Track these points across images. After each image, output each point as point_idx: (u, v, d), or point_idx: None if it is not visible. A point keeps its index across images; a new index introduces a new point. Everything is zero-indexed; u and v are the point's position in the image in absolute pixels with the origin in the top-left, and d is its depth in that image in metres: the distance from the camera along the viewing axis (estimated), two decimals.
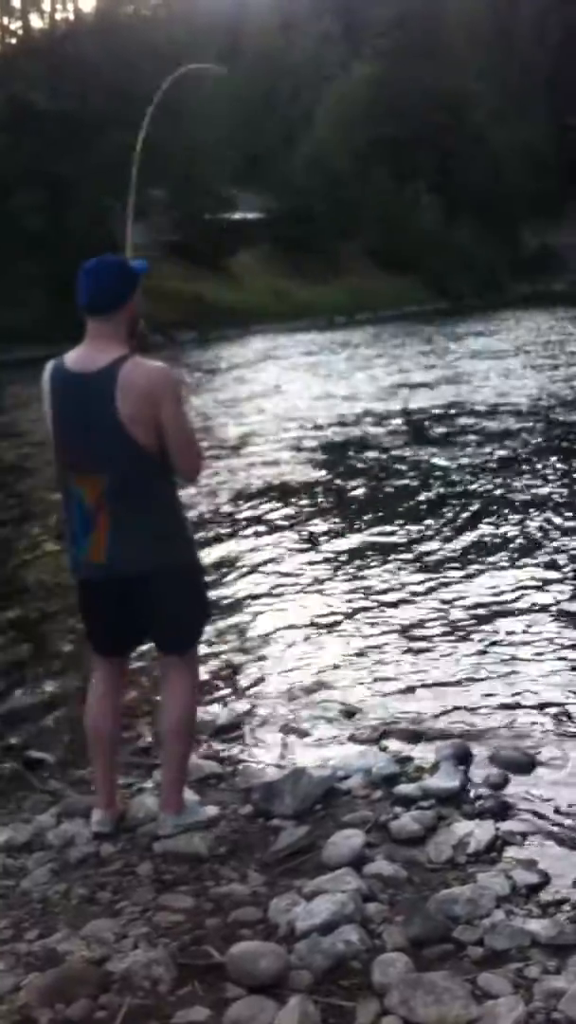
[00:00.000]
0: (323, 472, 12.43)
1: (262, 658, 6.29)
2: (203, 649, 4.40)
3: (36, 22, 47.25)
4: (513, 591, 7.22)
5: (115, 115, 38.47)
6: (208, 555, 8.33)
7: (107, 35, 42.41)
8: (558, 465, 11.81)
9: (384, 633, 6.59)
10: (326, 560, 8.41)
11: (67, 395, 3.72)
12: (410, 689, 5.64)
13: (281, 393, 20.70)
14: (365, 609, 7.09)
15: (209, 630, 5.22)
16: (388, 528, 9.33)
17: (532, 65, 67.80)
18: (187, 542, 4.01)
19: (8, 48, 45.45)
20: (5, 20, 46.45)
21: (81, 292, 3.72)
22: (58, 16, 47.40)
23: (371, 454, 13.41)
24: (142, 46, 41.52)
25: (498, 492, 10.60)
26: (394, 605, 7.11)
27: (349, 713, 5.34)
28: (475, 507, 9.98)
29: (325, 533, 9.35)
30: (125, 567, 3.76)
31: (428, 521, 9.53)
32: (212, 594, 4.28)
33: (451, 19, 62.77)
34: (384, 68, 58.40)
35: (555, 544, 8.44)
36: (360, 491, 11.27)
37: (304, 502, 10.86)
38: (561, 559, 8.00)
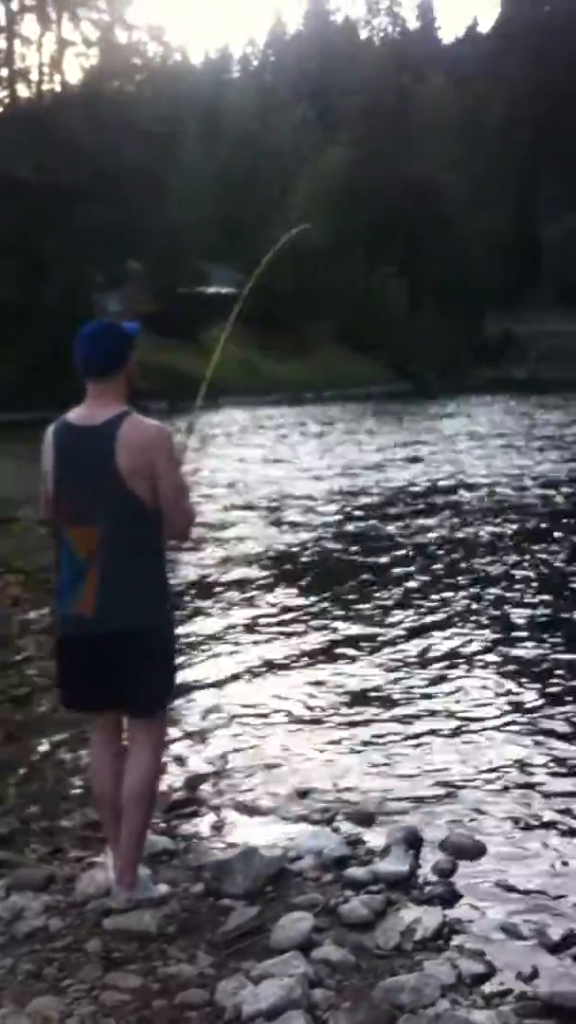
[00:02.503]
0: (310, 546, 12.43)
1: (218, 735, 6.27)
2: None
3: (23, 91, 47.91)
4: (471, 676, 7.27)
5: (96, 189, 39.10)
6: (182, 626, 8.34)
7: (92, 108, 43.06)
8: (544, 545, 12.05)
9: (340, 714, 6.60)
10: (291, 639, 8.38)
11: (68, 447, 3.85)
12: (363, 770, 5.65)
13: (275, 463, 21.11)
14: (323, 690, 7.09)
15: (171, 704, 5.22)
16: (361, 608, 9.30)
17: (500, 158, 69.65)
18: (168, 604, 4.07)
19: None
20: None
21: (79, 357, 3.88)
22: (44, 87, 48.05)
23: (358, 527, 13.60)
24: (126, 122, 42.23)
25: (477, 572, 10.69)
26: (353, 688, 7.12)
27: (303, 793, 5.34)
28: (453, 589, 9.97)
29: (296, 611, 9.27)
30: (111, 621, 3.82)
31: (402, 602, 9.53)
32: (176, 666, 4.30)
33: (422, 110, 64.48)
34: (357, 154, 59.80)
35: (525, 629, 8.50)
36: (342, 567, 11.26)
37: (285, 577, 10.81)
38: (528, 643, 8.07)
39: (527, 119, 71.69)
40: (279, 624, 8.84)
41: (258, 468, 20.51)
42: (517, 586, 10.01)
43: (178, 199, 46.13)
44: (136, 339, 4.00)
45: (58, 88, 48.32)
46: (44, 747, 6.15)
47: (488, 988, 3.52)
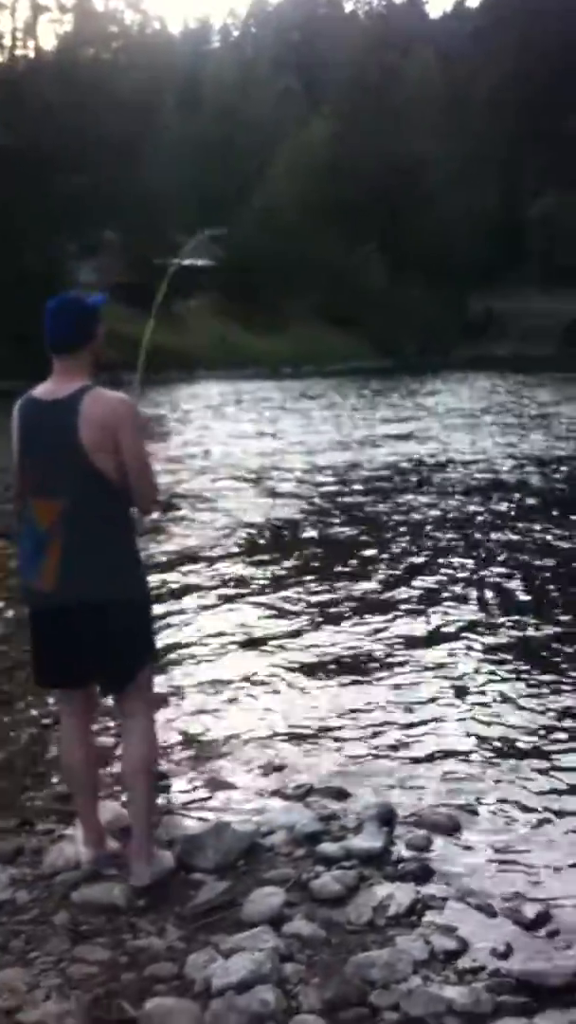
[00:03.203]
0: (300, 521, 12.38)
1: (190, 710, 6.23)
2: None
3: None
4: (449, 651, 7.23)
5: (70, 157, 38.78)
6: (159, 600, 8.25)
7: (67, 75, 42.61)
8: (544, 523, 11.95)
9: (316, 689, 6.57)
10: (272, 613, 8.31)
11: (32, 421, 3.83)
12: (337, 746, 5.62)
13: (260, 438, 21.04)
14: (297, 664, 7.05)
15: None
16: (347, 583, 9.22)
17: (486, 135, 69.46)
18: (138, 576, 4.01)
19: None
20: None
21: (46, 332, 3.85)
22: (18, 52, 47.49)
23: (350, 502, 13.59)
24: (102, 90, 41.84)
25: (460, 546, 10.71)
26: (331, 664, 7.08)
27: (276, 767, 5.30)
28: (435, 561, 10.00)
29: (281, 584, 9.22)
30: (74, 594, 3.78)
31: (381, 574, 9.52)
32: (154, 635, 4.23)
33: (407, 86, 64.15)
34: (340, 127, 59.51)
35: (503, 603, 8.50)
36: (333, 541, 11.21)
37: (272, 550, 10.75)
38: (506, 619, 8.05)
39: (513, 96, 71.43)
40: (261, 597, 8.80)
41: (243, 442, 20.41)
42: (511, 562, 9.97)
43: (155, 169, 45.75)
44: (100, 312, 3.95)
45: (32, 54, 47.80)
46: (13, 718, 6.10)
47: (461, 964, 3.49)
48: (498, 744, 5.64)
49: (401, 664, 7.03)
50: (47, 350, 3.87)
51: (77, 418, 3.71)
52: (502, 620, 8.07)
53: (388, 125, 59.83)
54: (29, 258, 37.95)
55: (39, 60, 47.25)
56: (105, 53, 47.85)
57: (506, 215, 67.57)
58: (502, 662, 7.06)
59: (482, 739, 5.70)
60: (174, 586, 9.08)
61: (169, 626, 7.80)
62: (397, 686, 6.60)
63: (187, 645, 7.47)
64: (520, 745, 5.64)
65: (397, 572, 9.69)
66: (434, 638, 7.61)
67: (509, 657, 7.16)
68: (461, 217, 62.83)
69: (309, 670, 6.95)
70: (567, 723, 5.92)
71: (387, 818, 4.56)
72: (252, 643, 7.57)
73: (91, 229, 43.76)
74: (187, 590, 9.06)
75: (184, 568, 9.83)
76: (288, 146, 59.66)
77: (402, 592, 8.92)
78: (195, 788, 5.04)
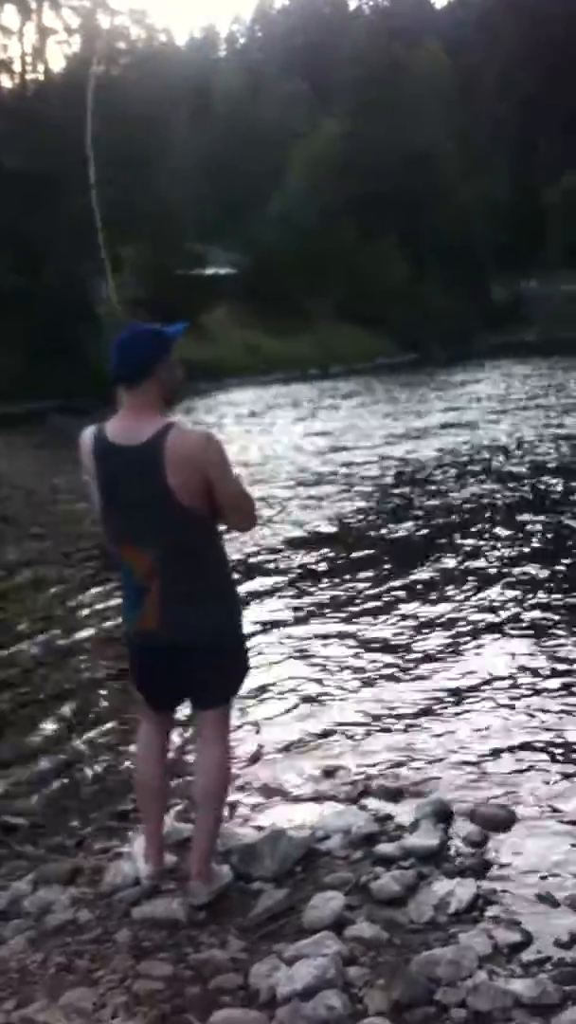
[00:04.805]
0: (338, 521, 12.29)
1: (240, 716, 6.22)
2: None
3: (6, 82, 47.62)
4: (496, 651, 7.17)
5: (82, 176, 38.93)
6: None
7: (77, 95, 42.78)
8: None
9: (363, 691, 6.56)
10: (310, 617, 8.30)
11: (113, 470, 3.68)
12: (388, 746, 5.61)
13: (307, 438, 20.91)
14: (343, 667, 7.05)
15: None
16: (395, 583, 9.13)
17: (497, 121, 69.15)
18: (234, 611, 3.99)
19: None
20: None
21: (112, 364, 3.71)
22: (28, 76, 47.74)
23: (404, 496, 13.61)
24: (111, 107, 42.01)
25: (510, 545, 10.49)
26: (377, 665, 7.06)
27: (328, 772, 5.30)
28: (481, 562, 9.81)
29: (326, 586, 9.20)
30: (175, 636, 3.76)
31: (427, 575, 9.41)
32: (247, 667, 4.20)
33: (415, 77, 63.90)
34: (351, 125, 59.44)
35: (554, 603, 8.36)
36: (369, 543, 11.08)
37: (322, 553, 10.61)
38: (555, 619, 7.93)
39: (522, 79, 71.10)
40: (305, 601, 8.76)
41: (287, 443, 20.24)
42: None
43: (169, 181, 45.88)
44: (173, 343, 3.78)
45: (41, 77, 48.04)
46: (66, 742, 6.14)
47: (526, 957, 3.48)
48: (554, 735, 5.62)
49: (455, 662, 7.01)
50: (113, 382, 3.74)
51: (163, 462, 3.57)
52: (561, 614, 7.95)
53: (398, 119, 59.58)
54: (46, 278, 38.14)
55: (48, 82, 47.48)
56: (114, 70, 47.99)
57: (523, 200, 67.19)
58: (557, 654, 7.00)
59: (536, 731, 5.68)
60: None
61: None
62: (449, 683, 6.57)
63: None
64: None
65: (461, 568, 9.55)
66: (484, 634, 7.54)
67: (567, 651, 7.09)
68: (479, 206, 62.54)
69: (351, 672, 6.94)
70: None
71: (443, 815, 4.55)
72: (290, 647, 7.55)
73: (109, 246, 43.99)
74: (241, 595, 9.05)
75: (240, 572, 9.81)
76: (300, 147, 59.67)
77: (463, 592, 8.78)
78: (248, 797, 5.05)
